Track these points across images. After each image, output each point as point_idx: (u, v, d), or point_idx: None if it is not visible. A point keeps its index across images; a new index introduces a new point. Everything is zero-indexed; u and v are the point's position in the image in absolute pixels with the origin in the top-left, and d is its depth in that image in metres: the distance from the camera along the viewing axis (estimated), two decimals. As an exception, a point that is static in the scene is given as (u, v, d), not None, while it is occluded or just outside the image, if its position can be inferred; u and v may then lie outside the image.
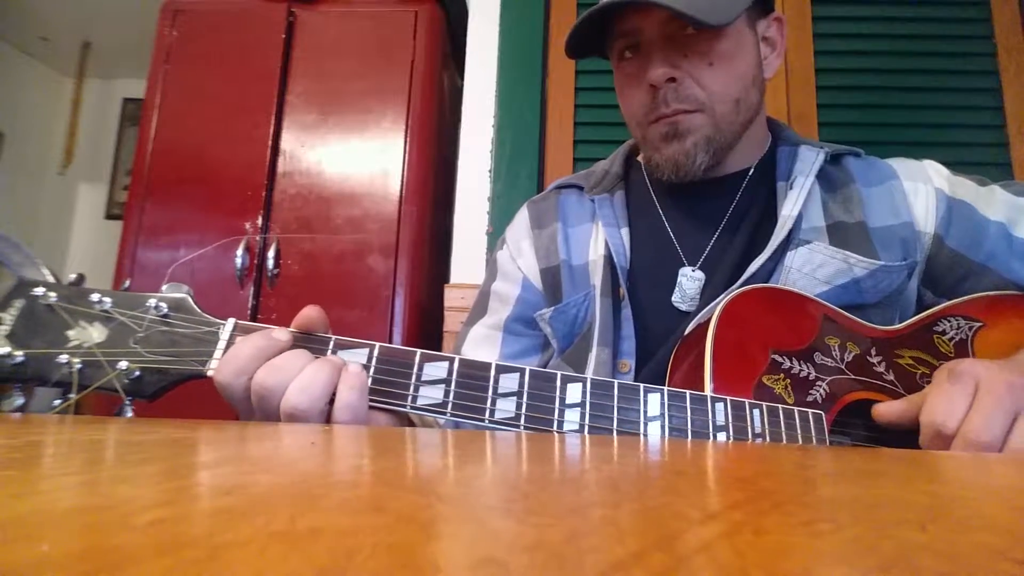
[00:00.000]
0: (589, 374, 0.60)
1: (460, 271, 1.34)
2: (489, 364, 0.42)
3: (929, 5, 1.37)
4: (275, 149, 1.38)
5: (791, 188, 0.61)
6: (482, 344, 0.71)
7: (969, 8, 1.36)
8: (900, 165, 0.64)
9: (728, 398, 0.43)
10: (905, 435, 0.48)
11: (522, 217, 0.74)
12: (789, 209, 0.59)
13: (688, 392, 0.43)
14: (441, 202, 1.45)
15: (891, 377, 0.50)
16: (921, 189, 0.61)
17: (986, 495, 0.18)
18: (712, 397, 0.43)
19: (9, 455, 0.21)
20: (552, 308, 0.66)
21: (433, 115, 1.42)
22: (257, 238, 1.33)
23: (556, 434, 0.40)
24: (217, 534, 0.11)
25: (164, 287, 0.43)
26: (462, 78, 1.47)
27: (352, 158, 1.37)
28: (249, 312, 1.30)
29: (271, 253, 1.31)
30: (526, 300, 0.70)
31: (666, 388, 0.43)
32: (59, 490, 0.15)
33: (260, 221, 1.34)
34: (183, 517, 0.12)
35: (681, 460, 0.25)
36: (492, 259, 0.76)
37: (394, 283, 1.30)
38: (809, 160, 0.62)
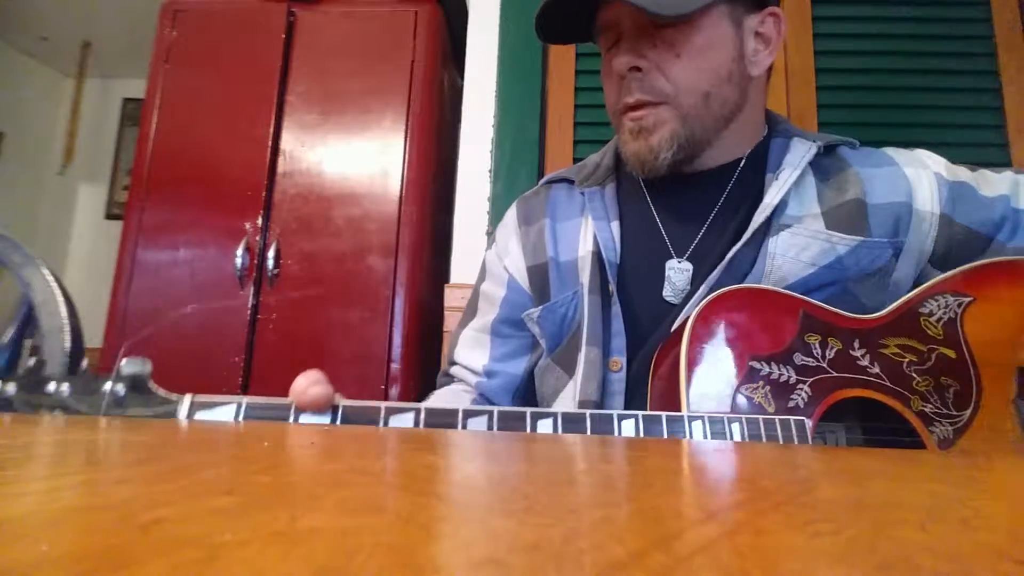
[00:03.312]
0: (579, 374, 0.59)
1: (460, 271, 1.34)
2: (456, 410, 0.41)
3: (929, 5, 1.37)
4: (275, 149, 1.38)
5: (776, 179, 0.60)
6: (472, 347, 0.71)
7: (969, 8, 1.36)
8: (896, 154, 0.64)
9: (705, 415, 0.43)
10: (888, 432, 0.47)
11: (511, 215, 0.73)
12: (770, 198, 0.58)
13: (664, 414, 0.42)
14: (441, 202, 1.45)
15: (876, 370, 0.49)
16: (923, 174, 0.61)
17: (986, 495, 0.18)
18: (689, 416, 0.42)
19: (9, 455, 0.21)
20: (540, 308, 0.65)
21: (433, 115, 1.42)
22: (257, 238, 1.33)
23: (556, 435, 0.40)
24: (217, 534, 0.11)
25: (122, 363, 0.42)
26: (462, 78, 1.47)
27: (352, 158, 1.37)
28: (249, 312, 1.30)
29: (271, 253, 1.31)
30: (512, 301, 0.69)
31: (640, 413, 0.42)
32: (59, 490, 0.15)
33: (260, 221, 1.34)
34: (183, 517, 0.12)
35: (681, 460, 0.25)
36: (483, 259, 0.76)
37: (394, 283, 1.30)
38: (800, 152, 0.61)
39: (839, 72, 1.35)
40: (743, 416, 0.43)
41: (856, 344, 0.50)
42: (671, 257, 0.61)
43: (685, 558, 0.10)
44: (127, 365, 0.42)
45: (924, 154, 0.64)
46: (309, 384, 0.41)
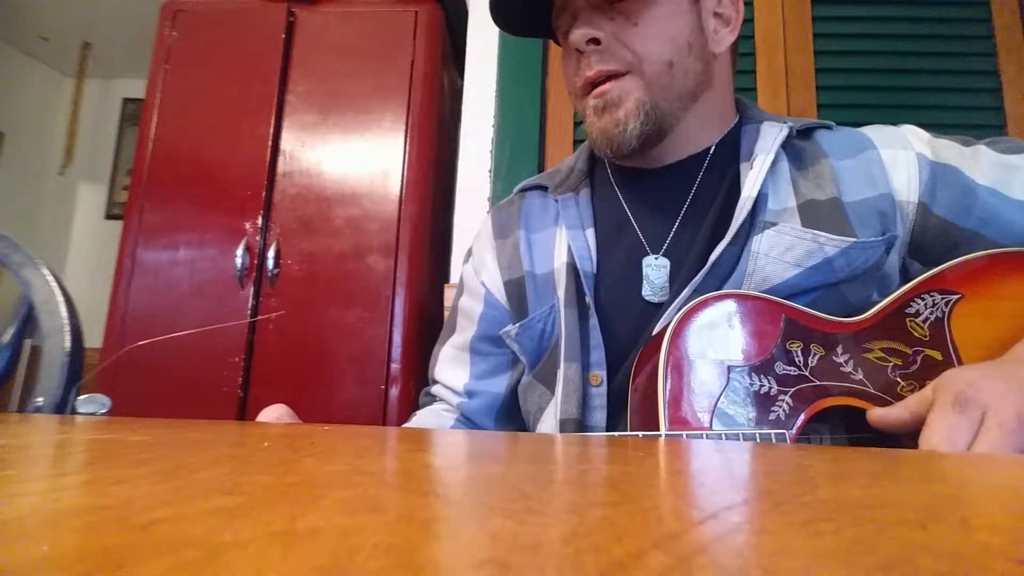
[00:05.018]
0: (559, 391, 0.57)
1: (460, 271, 1.34)
2: None
3: (929, 5, 1.37)
4: (275, 149, 1.38)
5: (751, 168, 0.57)
6: (452, 365, 0.69)
7: (969, 8, 1.36)
8: (877, 133, 0.60)
9: (684, 434, 0.42)
10: (873, 442, 0.46)
11: (486, 227, 0.71)
12: (748, 190, 0.56)
13: (640, 434, 0.42)
14: (441, 202, 1.45)
15: (859, 376, 0.47)
16: (901, 156, 0.57)
17: (986, 495, 0.18)
18: (667, 436, 0.42)
19: (9, 455, 0.21)
20: (518, 325, 0.63)
21: (433, 115, 1.42)
22: (257, 238, 1.33)
23: (556, 434, 0.40)
24: (217, 534, 0.11)
25: (80, 399, 0.40)
26: (462, 78, 1.47)
27: (352, 158, 1.37)
28: (249, 312, 1.30)
29: (271, 253, 1.31)
30: (490, 317, 0.67)
31: (616, 434, 0.41)
32: (59, 490, 0.15)
33: (260, 221, 1.34)
34: (183, 517, 0.12)
35: (681, 460, 0.25)
36: (460, 273, 0.74)
37: (394, 283, 1.30)
38: (771, 136, 0.58)
39: (839, 72, 1.35)
40: (722, 432, 0.43)
41: (839, 349, 0.47)
42: (647, 254, 0.59)
43: (685, 558, 0.10)
44: (83, 403, 0.40)
45: (909, 131, 0.60)
46: (272, 420, 0.43)
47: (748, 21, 1.36)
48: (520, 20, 0.64)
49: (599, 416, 0.55)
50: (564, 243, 0.62)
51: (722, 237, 0.55)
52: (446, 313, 1.25)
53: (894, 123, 0.63)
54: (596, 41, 0.56)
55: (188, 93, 1.42)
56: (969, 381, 0.39)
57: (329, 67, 1.42)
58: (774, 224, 0.55)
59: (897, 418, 0.43)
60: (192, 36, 1.46)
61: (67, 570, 0.09)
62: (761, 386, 0.45)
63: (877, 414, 0.44)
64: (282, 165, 1.38)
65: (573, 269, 0.60)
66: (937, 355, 0.48)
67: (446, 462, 0.24)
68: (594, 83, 0.57)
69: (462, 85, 1.46)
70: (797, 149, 0.60)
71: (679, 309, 0.49)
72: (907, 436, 0.43)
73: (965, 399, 0.38)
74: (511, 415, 0.68)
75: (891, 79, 1.34)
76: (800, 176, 0.58)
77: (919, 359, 0.48)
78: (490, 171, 1.38)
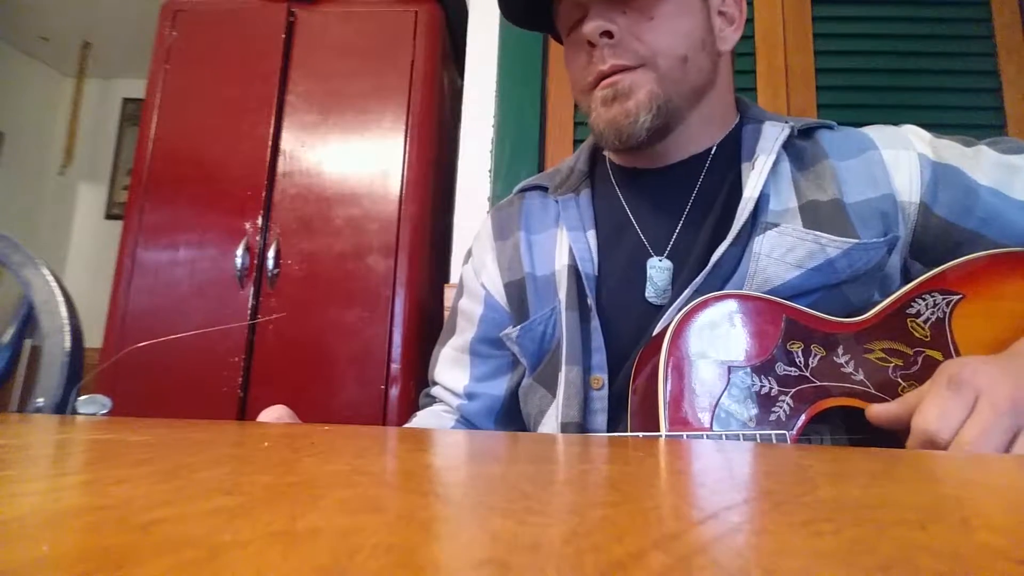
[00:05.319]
0: (560, 395, 0.57)
1: (460, 271, 1.34)
2: None
3: (929, 5, 1.37)
4: (275, 149, 1.38)
5: (753, 168, 0.57)
6: (452, 367, 0.69)
7: (969, 8, 1.36)
8: (878, 133, 0.60)
9: (684, 434, 0.42)
10: (873, 442, 0.46)
11: (486, 227, 0.71)
12: (750, 191, 0.55)
13: (641, 435, 0.41)
14: (441, 202, 1.45)
15: (860, 376, 0.46)
16: (903, 156, 0.57)
17: (986, 495, 0.18)
18: (667, 437, 0.42)
19: (9, 455, 0.21)
20: (518, 327, 0.62)
21: (433, 115, 1.42)
22: (257, 238, 1.33)
23: (556, 435, 0.40)
24: (217, 534, 0.11)
25: (81, 399, 0.40)
26: (462, 78, 1.47)
27: (352, 158, 1.37)
28: (249, 312, 1.30)
29: (271, 253, 1.31)
30: (490, 319, 0.66)
31: (616, 435, 0.41)
32: (59, 490, 0.15)
33: (260, 221, 1.34)
34: (183, 517, 0.12)
35: (681, 460, 0.25)
36: (460, 274, 0.73)
37: (394, 283, 1.30)
38: (772, 136, 0.58)
39: (839, 72, 1.35)
40: (723, 433, 0.43)
41: (840, 350, 0.47)
42: (649, 255, 0.58)
43: (685, 558, 0.10)
44: (84, 404, 0.40)
45: (911, 131, 0.60)
46: (272, 420, 0.43)
47: (748, 21, 1.36)
48: (524, 11, 0.63)
49: (600, 419, 0.55)
50: (565, 245, 0.61)
51: (723, 238, 0.54)
52: (446, 313, 1.26)
53: (894, 123, 0.63)
54: (609, 35, 0.55)
55: (188, 93, 1.42)
56: (964, 364, 0.40)
57: (329, 67, 1.42)
58: (776, 225, 0.54)
59: (895, 413, 0.43)
60: (192, 36, 1.46)
61: (67, 570, 0.09)
62: (762, 386, 0.45)
63: (875, 410, 0.44)
64: (282, 165, 1.38)
65: (574, 271, 0.59)
66: (938, 355, 0.48)
67: (446, 462, 0.24)
68: (606, 77, 0.57)
69: (462, 85, 1.46)
70: (798, 149, 0.59)
71: (680, 310, 0.49)
72: (907, 434, 0.43)
73: (960, 380, 0.39)
74: (511, 417, 0.67)
75: (891, 79, 1.34)
76: (801, 177, 0.58)
77: (920, 359, 0.48)
78: (490, 171, 1.38)
